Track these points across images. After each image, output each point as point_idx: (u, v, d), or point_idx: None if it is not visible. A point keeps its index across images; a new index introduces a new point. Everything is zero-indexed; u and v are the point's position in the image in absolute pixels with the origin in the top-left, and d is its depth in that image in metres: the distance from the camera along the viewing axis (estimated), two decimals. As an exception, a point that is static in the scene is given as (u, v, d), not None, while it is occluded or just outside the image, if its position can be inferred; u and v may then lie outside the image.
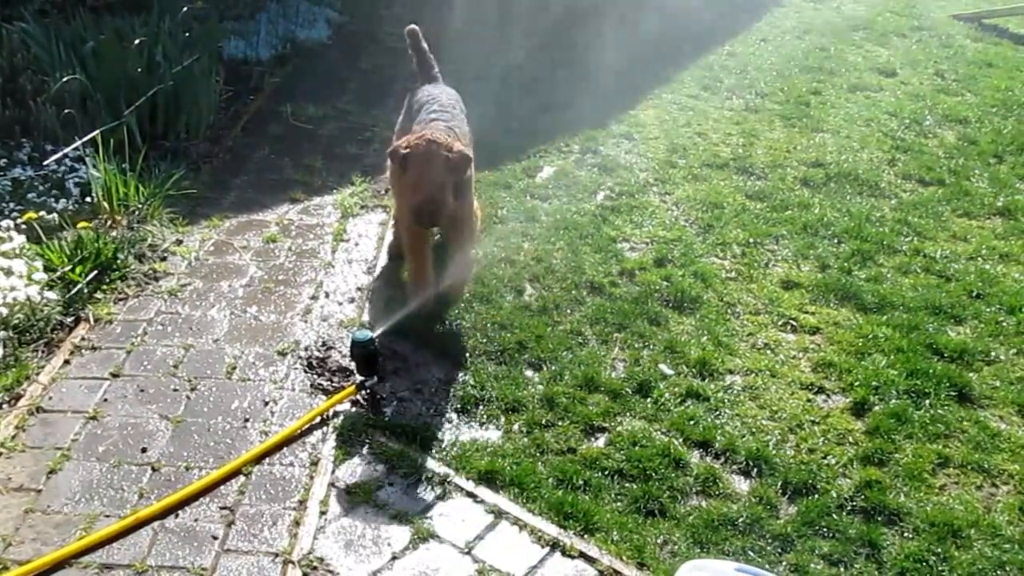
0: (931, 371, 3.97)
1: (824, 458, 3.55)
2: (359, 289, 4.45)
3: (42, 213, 4.50)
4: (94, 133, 4.79)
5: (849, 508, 3.33)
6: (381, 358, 3.79)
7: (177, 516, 3.15)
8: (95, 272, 4.28)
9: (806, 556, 3.13)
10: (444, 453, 3.49)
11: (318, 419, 3.59)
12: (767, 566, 3.03)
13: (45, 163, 4.93)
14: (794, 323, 4.33)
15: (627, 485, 3.38)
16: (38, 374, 3.74)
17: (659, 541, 3.17)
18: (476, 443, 3.54)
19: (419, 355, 4.01)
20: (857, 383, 3.92)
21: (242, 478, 3.32)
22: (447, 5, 7.50)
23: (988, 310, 4.45)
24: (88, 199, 4.75)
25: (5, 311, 3.85)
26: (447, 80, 4.81)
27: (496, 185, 5.40)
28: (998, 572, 3.10)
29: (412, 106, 4.55)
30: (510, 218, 5.08)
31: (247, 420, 3.59)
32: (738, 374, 3.99)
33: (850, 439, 3.65)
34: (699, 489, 3.40)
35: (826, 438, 3.65)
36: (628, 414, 3.73)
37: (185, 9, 6.21)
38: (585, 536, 3.16)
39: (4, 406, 3.57)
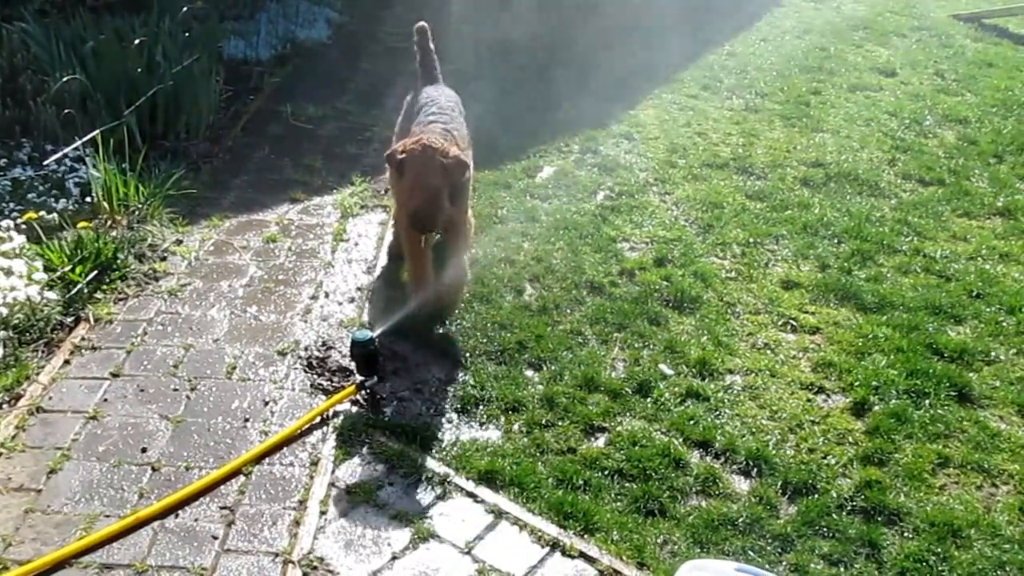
0: (931, 371, 3.97)
1: (824, 458, 3.55)
2: (359, 289, 4.45)
3: (42, 213, 4.51)
4: (94, 133, 4.79)
5: (849, 508, 3.33)
6: (381, 358, 3.79)
7: (177, 516, 3.15)
8: (95, 272, 4.28)
9: (806, 556, 3.13)
10: (444, 453, 3.49)
11: (318, 419, 3.59)
12: (767, 566, 3.03)
13: (45, 163, 4.93)
14: (794, 323, 4.33)
15: (627, 485, 3.38)
16: (38, 374, 3.74)
17: (659, 541, 3.17)
18: (476, 443, 3.54)
19: (419, 355, 4.01)
20: (857, 383, 3.92)
21: (242, 478, 3.32)
22: (447, 5, 7.50)
23: (988, 310, 4.45)
24: (88, 199, 4.75)
25: (5, 311, 3.85)
26: (447, 79, 4.81)
27: (496, 185, 5.40)
28: (998, 572, 3.10)
29: (411, 107, 4.54)
30: (510, 218, 5.08)
31: (247, 420, 3.59)
32: (738, 374, 3.99)
33: (850, 439, 3.65)
34: (699, 489, 3.40)
35: (826, 438, 3.65)
36: (628, 414, 3.73)
37: (185, 9, 6.21)
38: (585, 536, 3.16)
39: (4, 406, 3.58)
